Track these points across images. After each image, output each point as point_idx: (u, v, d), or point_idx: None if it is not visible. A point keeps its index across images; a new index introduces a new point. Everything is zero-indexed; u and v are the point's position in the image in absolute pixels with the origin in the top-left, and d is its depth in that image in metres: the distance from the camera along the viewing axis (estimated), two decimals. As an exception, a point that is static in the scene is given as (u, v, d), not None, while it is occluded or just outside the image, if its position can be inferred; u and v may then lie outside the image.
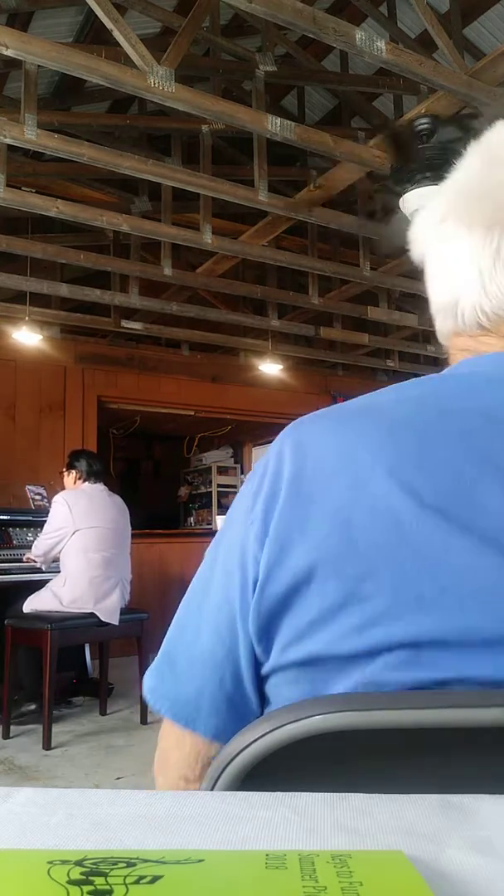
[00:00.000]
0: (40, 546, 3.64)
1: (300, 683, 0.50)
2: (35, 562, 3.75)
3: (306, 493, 0.50)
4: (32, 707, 3.65)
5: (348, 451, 0.51)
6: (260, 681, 0.54)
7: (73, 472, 3.78)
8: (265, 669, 0.53)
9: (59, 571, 3.61)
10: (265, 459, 0.55)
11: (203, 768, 0.56)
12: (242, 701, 0.55)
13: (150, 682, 0.59)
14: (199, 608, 0.57)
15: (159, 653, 0.60)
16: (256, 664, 0.54)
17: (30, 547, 3.86)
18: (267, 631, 0.51)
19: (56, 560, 3.66)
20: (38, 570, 3.81)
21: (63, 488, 3.82)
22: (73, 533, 3.50)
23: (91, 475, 3.75)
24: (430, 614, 0.46)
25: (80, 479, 3.75)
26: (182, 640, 0.59)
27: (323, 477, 0.50)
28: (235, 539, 0.55)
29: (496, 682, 0.45)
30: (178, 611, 0.61)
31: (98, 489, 3.71)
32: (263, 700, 0.55)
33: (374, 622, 0.47)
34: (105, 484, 3.83)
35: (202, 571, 0.59)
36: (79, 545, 3.49)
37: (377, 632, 0.47)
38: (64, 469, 3.87)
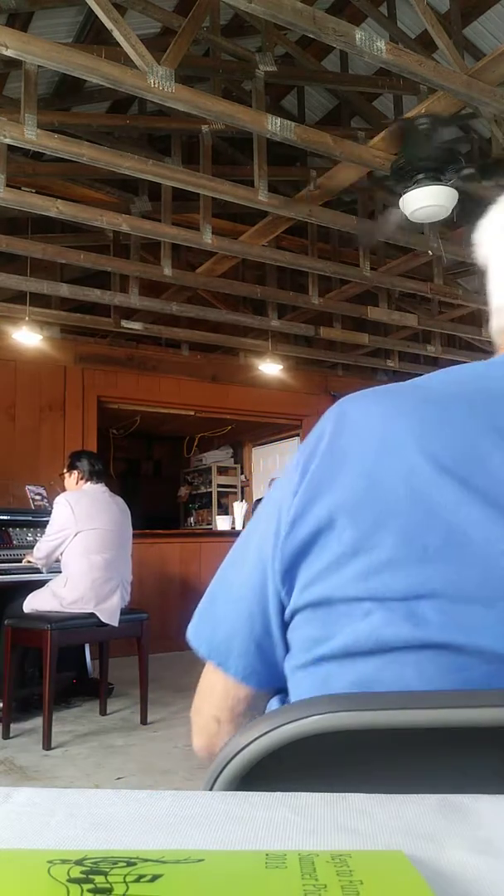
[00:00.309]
0: (42, 549, 3.62)
1: (312, 624, 0.55)
2: (35, 564, 3.73)
3: (339, 455, 0.56)
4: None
5: (382, 419, 0.56)
6: (285, 627, 0.59)
7: (75, 472, 3.76)
8: (287, 613, 0.58)
9: (59, 571, 3.60)
10: (315, 427, 0.61)
11: (233, 710, 0.63)
12: (269, 643, 0.60)
13: (193, 623, 0.66)
14: (241, 556, 0.64)
15: (203, 598, 0.67)
16: (282, 609, 0.58)
17: (30, 547, 3.85)
18: (290, 574, 0.56)
19: (57, 561, 3.65)
20: (38, 571, 3.80)
21: (64, 489, 3.81)
22: (76, 534, 3.49)
23: (93, 475, 3.74)
24: (432, 564, 0.49)
25: (82, 479, 3.74)
26: (223, 585, 0.65)
27: (356, 441, 0.56)
28: (278, 495, 0.60)
29: (495, 653, 0.47)
30: (224, 560, 0.67)
31: (100, 490, 3.70)
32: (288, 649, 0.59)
33: (379, 570, 0.51)
34: (105, 484, 3.82)
35: (249, 525, 0.66)
36: (81, 547, 3.48)
37: (380, 579, 0.51)
38: (65, 470, 3.85)
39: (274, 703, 0.62)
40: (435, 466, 0.51)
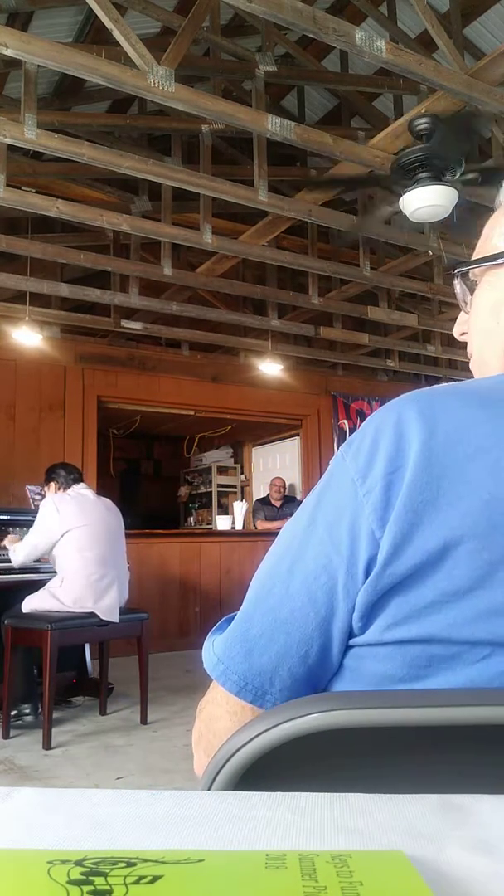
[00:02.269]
0: (20, 555, 3.59)
1: (392, 661, 0.49)
2: (11, 560, 3.68)
3: (438, 468, 0.47)
4: (27, 709, 3.63)
5: (487, 430, 0.48)
6: (345, 653, 0.53)
7: (53, 483, 3.82)
8: (356, 642, 0.52)
9: (55, 572, 3.61)
10: (377, 427, 0.51)
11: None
12: (322, 675, 0.53)
13: (219, 651, 0.56)
14: (288, 574, 0.54)
15: (235, 620, 0.56)
16: (349, 636, 0.52)
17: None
18: (375, 607, 0.49)
19: (37, 560, 3.67)
20: (37, 570, 3.81)
21: None
22: (64, 533, 3.50)
23: (71, 482, 3.78)
24: None
25: (60, 488, 3.78)
26: (263, 607, 0.54)
27: (458, 452, 0.48)
28: (343, 506, 0.51)
29: None
30: (259, 575, 0.56)
31: (82, 492, 3.72)
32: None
33: (501, 611, 0.45)
34: (101, 486, 3.83)
35: (293, 534, 0.55)
36: (72, 545, 3.49)
37: (502, 621, 0.45)
38: (44, 486, 3.89)
39: None
40: None
